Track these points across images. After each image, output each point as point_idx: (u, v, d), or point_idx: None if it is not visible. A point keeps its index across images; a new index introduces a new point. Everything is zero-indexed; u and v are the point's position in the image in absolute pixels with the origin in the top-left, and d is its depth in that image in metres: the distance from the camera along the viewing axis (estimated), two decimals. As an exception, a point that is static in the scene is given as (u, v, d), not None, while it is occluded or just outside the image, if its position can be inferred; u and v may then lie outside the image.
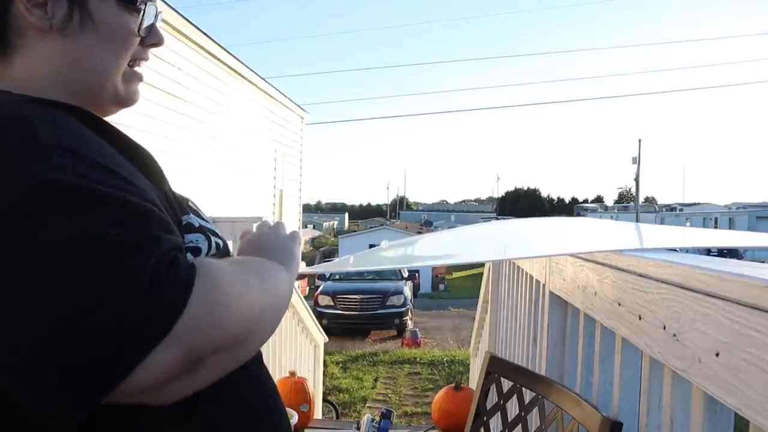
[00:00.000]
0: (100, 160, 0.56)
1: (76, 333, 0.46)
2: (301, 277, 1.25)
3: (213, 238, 0.71)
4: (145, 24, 0.74)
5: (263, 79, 10.11)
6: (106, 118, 0.72)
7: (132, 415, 0.57)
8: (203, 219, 0.74)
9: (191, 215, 0.70)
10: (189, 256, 0.66)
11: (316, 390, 4.44)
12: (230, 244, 0.81)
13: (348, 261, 1.37)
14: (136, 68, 0.77)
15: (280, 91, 11.14)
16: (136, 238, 0.51)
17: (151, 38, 0.76)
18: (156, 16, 0.77)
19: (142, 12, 0.73)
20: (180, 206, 0.69)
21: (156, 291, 0.48)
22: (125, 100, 0.75)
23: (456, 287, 25.32)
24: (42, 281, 0.47)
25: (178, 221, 0.66)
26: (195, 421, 0.63)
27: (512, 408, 1.61)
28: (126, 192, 0.54)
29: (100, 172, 0.54)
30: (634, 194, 38.95)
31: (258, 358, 0.77)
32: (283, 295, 0.69)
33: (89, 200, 0.51)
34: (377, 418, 2.61)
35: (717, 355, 0.68)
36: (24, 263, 0.47)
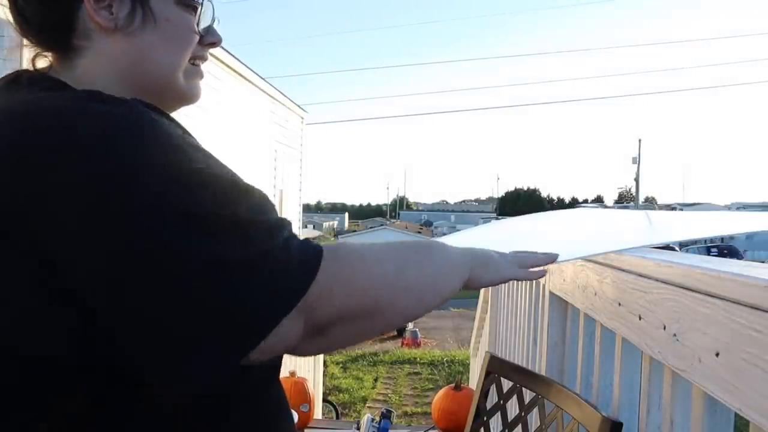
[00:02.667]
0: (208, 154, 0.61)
1: (233, 295, 0.53)
2: None
3: None
4: (203, 22, 0.76)
5: (263, 79, 10.10)
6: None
7: (163, 420, 0.59)
8: None
9: None
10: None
11: (316, 390, 4.44)
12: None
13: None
14: (198, 66, 0.79)
15: (280, 91, 11.13)
16: (269, 222, 0.58)
17: (210, 37, 0.78)
18: (213, 15, 0.79)
19: (199, 10, 0.75)
20: None
21: (294, 263, 0.56)
22: (189, 96, 0.77)
23: (456, 287, 25.30)
24: (207, 251, 0.53)
25: None
26: (224, 428, 0.64)
27: (512, 408, 1.61)
28: (243, 180, 0.62)
29: (217, 162, 0.61)
30: (634, 194, 38.93)
31: (278, 372, 0.78)
32: (428, 279, 0.72)
33: (231, 190, 0.58)
34: (377, 418, 2.61)
35: (717, 355, 0.68)
36: (195, 234, 0.53)
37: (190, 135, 0.65)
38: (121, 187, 0.53)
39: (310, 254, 0.58)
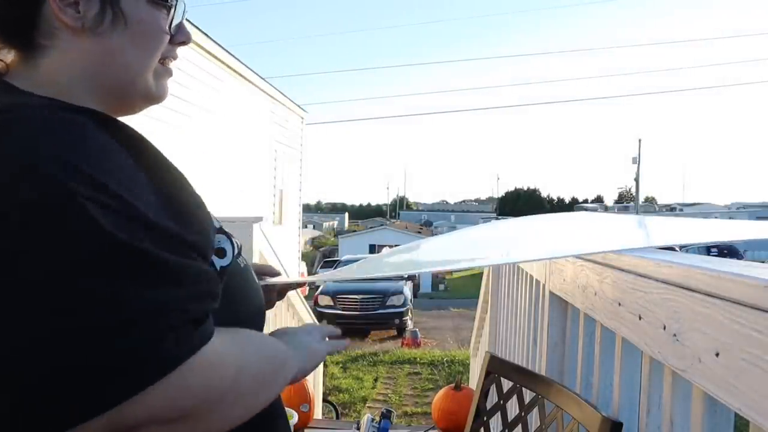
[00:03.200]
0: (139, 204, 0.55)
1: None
2: (297, 285, 1.25)
3: (233, 239, 0.73)
4: (175, 21, 0.74)
5: (263, 79, 10.10)
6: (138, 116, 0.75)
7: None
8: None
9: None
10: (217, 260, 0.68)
11: (316, 390, 4.44)
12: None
13: (351, 269, 1.37)
14: (167, 65, 0.76)
15: (280, 91, 11.13)
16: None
17: (180, 36, 0.76)
18: (184, 13, 0.76)
19: (172, 9, 0.73)
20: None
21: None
22: (156, 97, 0.75)
23: (456, 287, 25.32)
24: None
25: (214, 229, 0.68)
26: None
27: (512, 408, 1.61)
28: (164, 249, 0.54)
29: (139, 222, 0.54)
30: (634, 194, 38.93)
31: None
32: (264, 396, 0.66)
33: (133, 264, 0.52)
34: (377, 418, 2.61)
35: (717, 355, 0.68)
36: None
37: (140, 146, 0.63)
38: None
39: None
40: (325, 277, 1.59)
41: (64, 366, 0.48)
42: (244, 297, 0.75)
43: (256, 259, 2.60)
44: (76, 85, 0.67)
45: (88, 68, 0.68)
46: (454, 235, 1.60)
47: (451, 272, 27.93)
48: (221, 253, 0.68)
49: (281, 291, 1.09)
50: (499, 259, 1.84)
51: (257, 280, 0.82)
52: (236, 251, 0.73)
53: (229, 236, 0.72)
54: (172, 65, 0.77)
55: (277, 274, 1.06)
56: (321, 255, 30.21)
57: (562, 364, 1.58)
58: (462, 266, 1.18)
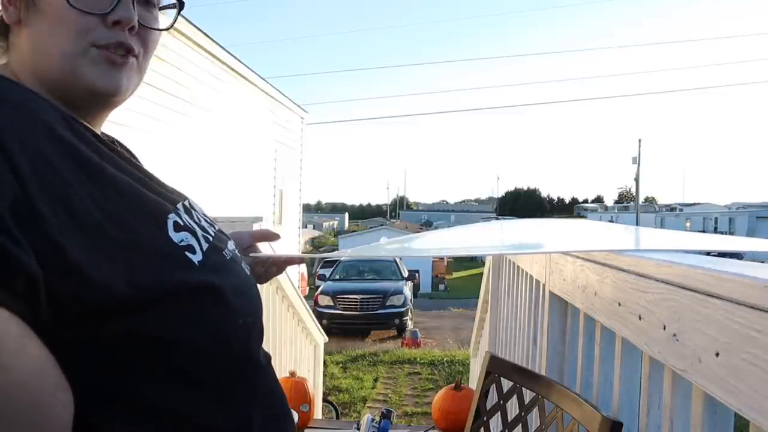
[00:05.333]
0: None
1: None
2: (300, 261, 1.24)
3: (201, 233, 0.71)
4: (101, 1, 0.67)
5: (263, 79, 10.10)
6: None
7: (132, 415, 0.59)
8: (194, 218, 0.73)
9: (176, 214, 0.69)
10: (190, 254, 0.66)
11: (316, 390, 4.44)
12: (231, 243, 0.81)
13: (347, 252, 1.40)
14: (109, 52, 0.68)
15: (280, 91, 11.13)
16: None
17: (113, 15, 0.67)
18: None
19: None
20: (139, 202, 0.65)
21: None
22: (97, 88, 0.68)
23: (456, 287, 25.31)
24: None
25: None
26: (212, 423, 0.64)
27: (512, 408, 1.61)
28: None
29: None
30: (634, 194, 38.93)
31: (268, 360, 0.78)
32: None
33: None
34: (377, 418, 2.61)
35: (717, 355, 0.68)
36: None
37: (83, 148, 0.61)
38: None
39: None
40: (326, 255, 1.64)
41: None
42: (226, 293, 0.69)
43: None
44: (29, 80, 0.67)
45: (29, 63, 0.67)
46: (453, 230, 1.64)
47: (451, 272, 27.93)
48: (190, 249, 0.66)
49: (280, 265, 1.07)
50: (495, 250, 1.86)
51: (247, 270, 0.79)
52: (204, 246, 0.69)
53: (195, 232, 0.69)
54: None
55: (276, 237, 1.05)
56: (321, 255, 30.20)
57: (562, 364, 1.58)
58: (463, 253, 1.20)
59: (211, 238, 0.72)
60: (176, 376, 0.61)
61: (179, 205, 0.72)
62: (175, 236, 0.66)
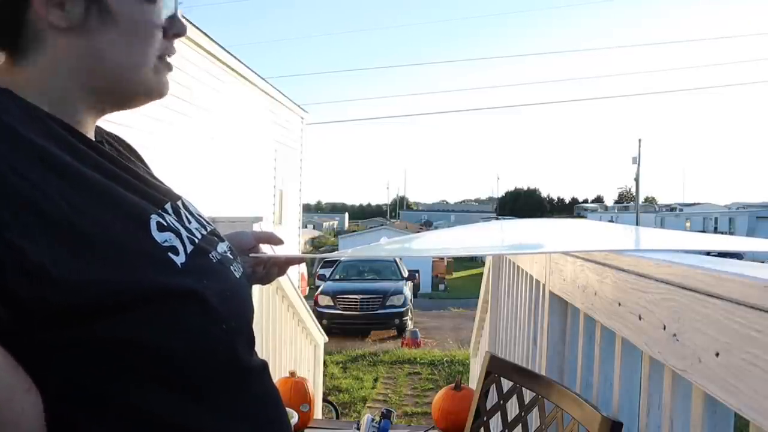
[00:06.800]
0: None
1: None
2: (300, 261, 1.25)
3: (186, 235, 0.69)
4: (165, 14, 0.72)
5: (263, 79, 10.10)
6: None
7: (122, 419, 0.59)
8: (182, 219, 0.72)
9: (159, 215, 0.67)
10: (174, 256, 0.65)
11: (316, 390, 4.44)
12: (223, 245, 0.81)
13: (347, 252, 1.41)
14: (166, 60, 0.74)
15: (280, 91, 11.13)
16: None
17: (174, 28, 0.73)
18: (176, 6, 0.74)
19: (161, 1, 0.71)
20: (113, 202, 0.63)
21: None
22: (157, 94, 0.74)
23: (456, 287, 25.32)
24: None
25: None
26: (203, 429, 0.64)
27: (512, 408, 1.61)
28: None
29: None
30: (634, 194, 38.94)
31: (264, 365, 0.77)
32: None
33: None
34: (377, 418, 2.61)
35: (717, 355, 0.68)
36: None
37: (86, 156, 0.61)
38: None
39: None
40: (326, 255, 1.65)
41: None
42: (212, 295, 0.68)
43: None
44: (68, 86, 0.67)
45: (80, 69, 0.67)
46: (453, 230, 1.64)
47: (451, 272, 27.94)
48: (173, 250, 0.65)
49: (282, 266, 1.07)
50: (495, 250, 1.87)
51: (236, 273, 0.77)
52: (188, 246, 0.68)
53: (177, 233, 0.68)
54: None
55: (280, 242, 1.05)
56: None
57: (562, 364, 1.58)
58: (463, 253, 1.20)
59: (197, 240, 0.71)
60: (157, 380, 0.61)
61: (167, 206, 0.71)
62: (159, 236, 0.65)
